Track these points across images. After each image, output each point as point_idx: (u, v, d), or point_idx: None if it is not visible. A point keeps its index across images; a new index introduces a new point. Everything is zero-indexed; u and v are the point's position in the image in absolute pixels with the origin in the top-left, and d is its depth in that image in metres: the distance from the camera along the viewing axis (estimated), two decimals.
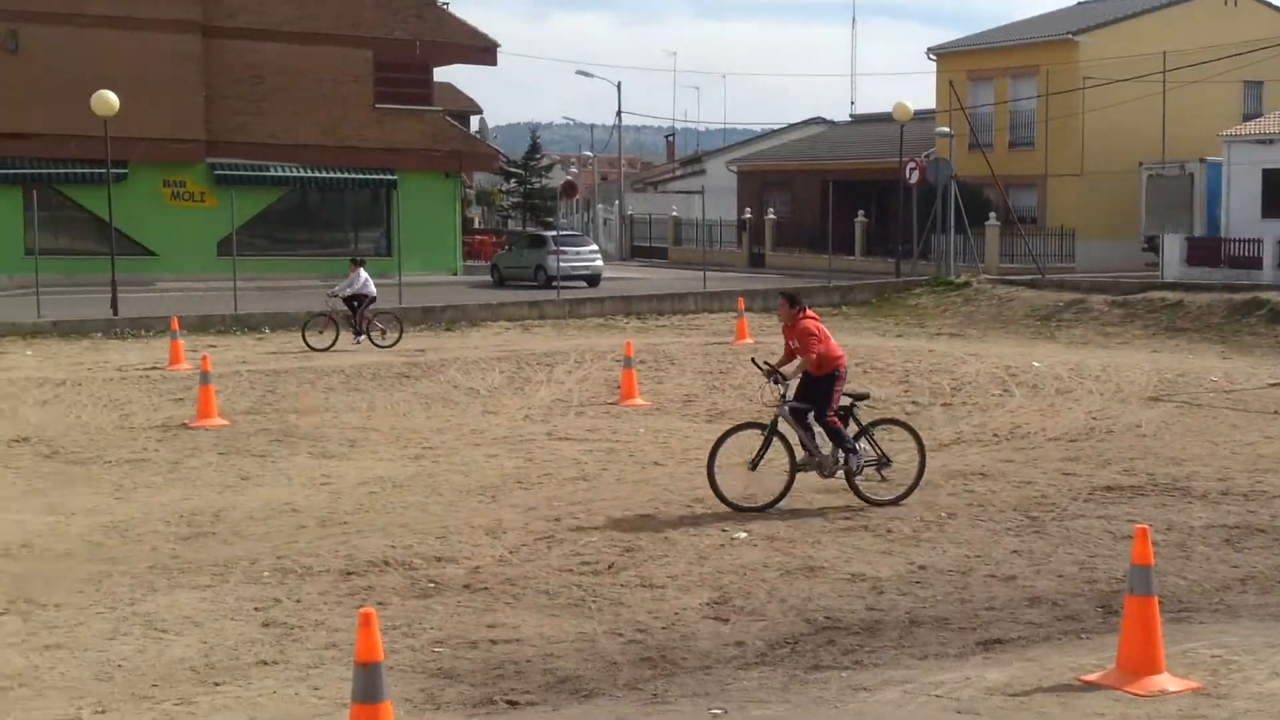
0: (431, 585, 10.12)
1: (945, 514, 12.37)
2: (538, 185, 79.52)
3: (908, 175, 40.21)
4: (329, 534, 11.85)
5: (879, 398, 19.76)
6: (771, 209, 55.69)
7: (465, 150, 48.98)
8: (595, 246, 45.59)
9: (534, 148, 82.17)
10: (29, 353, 25.32)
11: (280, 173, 44.71)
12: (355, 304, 26.37)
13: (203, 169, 43.59)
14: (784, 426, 12.72)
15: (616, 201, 66.87)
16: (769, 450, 12.59)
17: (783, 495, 12.58)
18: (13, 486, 13.96)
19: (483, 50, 48.88)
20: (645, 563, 10.70)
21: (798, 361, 12.73)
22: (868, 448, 12.76)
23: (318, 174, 45.25)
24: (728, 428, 13.30)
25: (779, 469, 12.72)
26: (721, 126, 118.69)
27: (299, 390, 20.75)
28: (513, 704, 7.68)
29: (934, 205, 40.34)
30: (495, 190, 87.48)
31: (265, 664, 8.38)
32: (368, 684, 6.19)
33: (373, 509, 12.92)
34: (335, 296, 26.65)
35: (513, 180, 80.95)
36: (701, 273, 39.54)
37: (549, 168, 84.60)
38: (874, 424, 13.11)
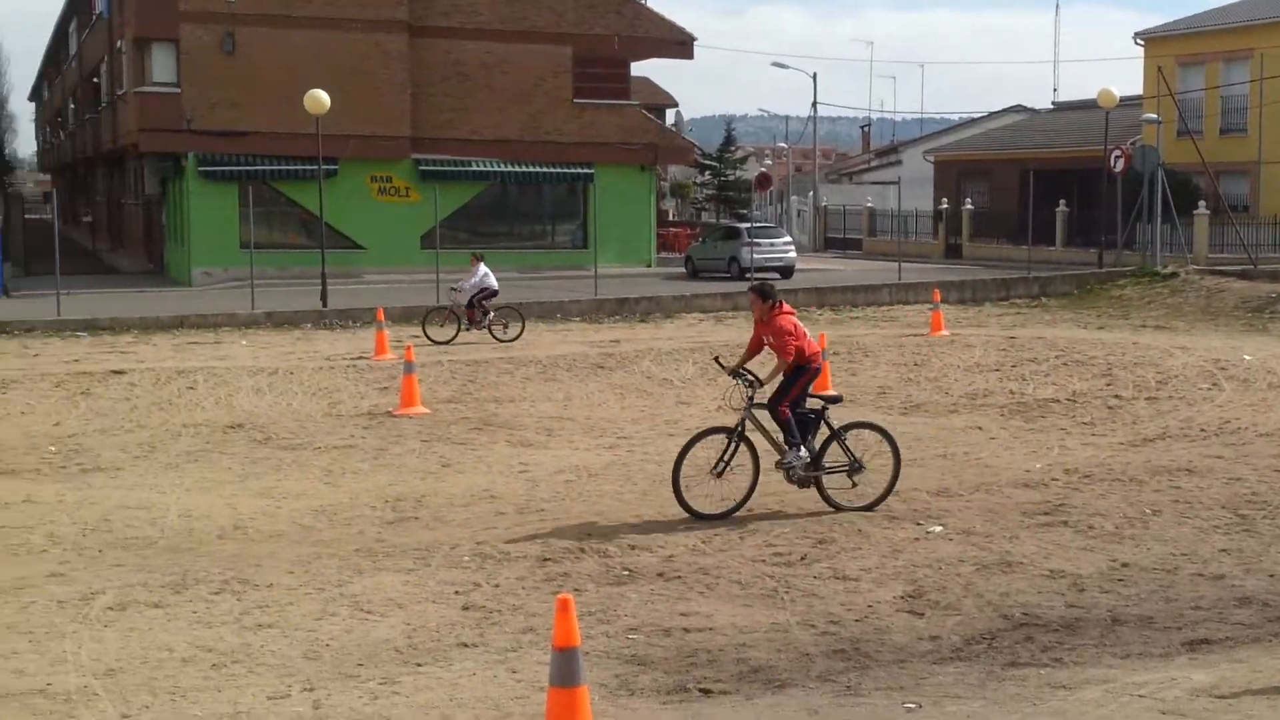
0: (626, 573, 10.24)
1: (1150, 510, 12.03)
2: (732, 177, 79.58)
3: (1112, 163, 39.06)
4: (527, 520, 12.09)
5: (1079, 390, 19.30)
6: (969, 199, 54.72)
7: (661, 143, 49.24)
8: (789, 238, 45.41)
9: (729, 140, 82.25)
10: (244, 342, 26.35)
11: (481, 168, 45.57)
12: (476, 298, 26.70)
13: (408, 165, 44.70)
14: (750, 431, 12.15)
15: (810, 193, 66.48)
16: (735, 456, 12.03)
17: (745, 500, 12.08)
18: (227, 471, 14.54)
19: (679, 44, 49.06)
20: (838, 555, 10.66)
21: (775, 364, 12.17)
22: (834, 459, 12.18)
23: (517, 169, 46.01)
24: (694, 434, 12.49)
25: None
26: (918, 116, 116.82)
27: (498, 380, 21.17)
28: (705, 692, 7.73)
29: (1140, 194, 39.13)
30: (689, 183, 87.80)
31: (465, 646, 8.59)
32: (565, 668, 6.31)
33: (569, 497, 13.13)
34: (458, 291, 26.97)
35: (707, 172, 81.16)
36: (896, 264, 39.07)
37: (743, 160, 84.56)
38: (847, 427, 12.49)
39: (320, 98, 32.18)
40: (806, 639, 8.64)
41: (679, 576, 10.10)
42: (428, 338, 25.86)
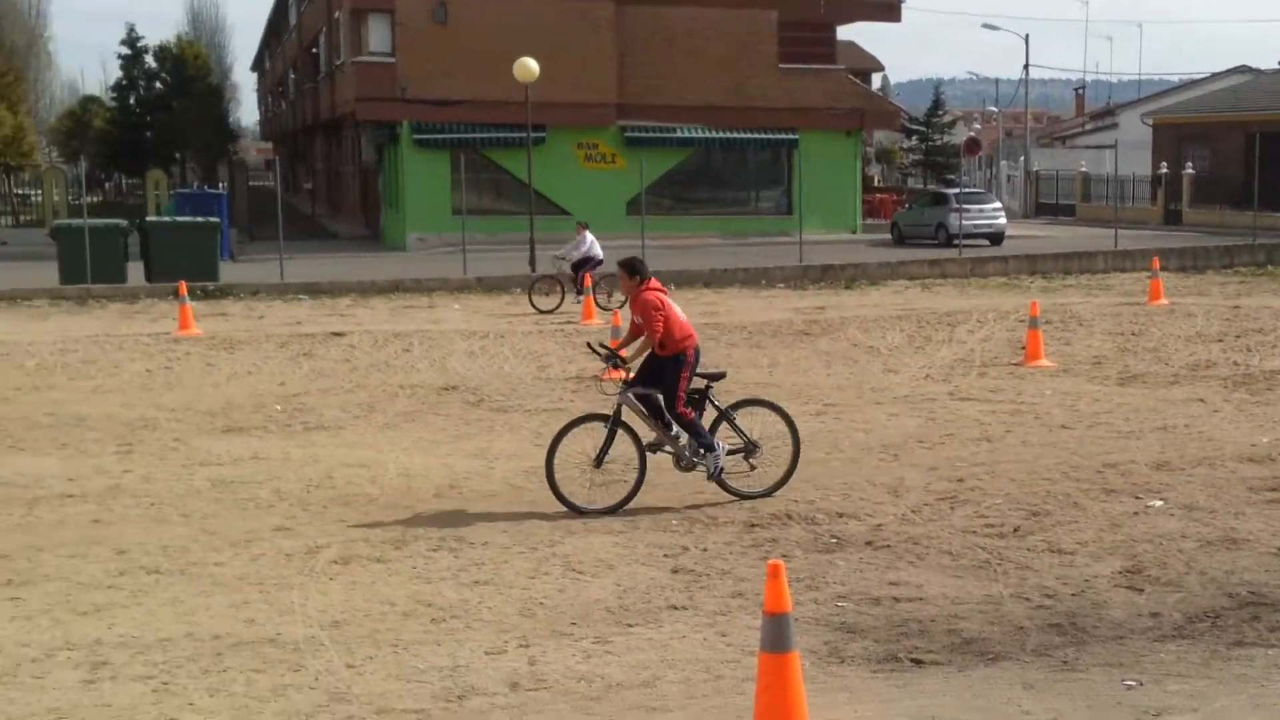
0: (834, 540, 10.21)
1: None
2: (939, 142, 78.19)
3: None
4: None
5: None
6: (1189, 163, 52.72)
7: (867, 108, 48.65)
8: (998, 204, 44.46)
9: (936, 104, 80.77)
10: (456, 307, 26.97)
11: (686, 134, 45.66)
12: (580, 266, 26.52)
13: (614, 131, 45.06)
14: (629, 416, 11.34)
15: (1021, 157, 64.90)
16: (614, 444, 11.20)
17: (633, 493, 11.25)
18: (442, 431, 14.91)
19: (886, 6, 48.38)
20: (1052, 528, 10.44)
21: (639, 342, 11.35)
22: (726, 441, 11.45)
23: (721, 134, 45.97)
24: (567, 421, 11.75)
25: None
26: (1136, 78, 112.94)
27: (702, 346, 21.18)
28: (917, 662, 7.68)
29: None
30: (895, 148, 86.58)
31: (675, 608, 8.68)
32: (776, 634, 6.30)
33: (776, 463, 13.09)
34: (562, 260, 26.77)
35: (914, 137, 79.92)
36: (1112, 230, 37.93)
37: (951, 124, 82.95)
38: (736, 406, 11.67)
39: (529, 66, 32.62)
40: (1020, 612, 8.50)
41: (887, 545, 10.03)
42: (533, 306, 25.82)
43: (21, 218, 59.97)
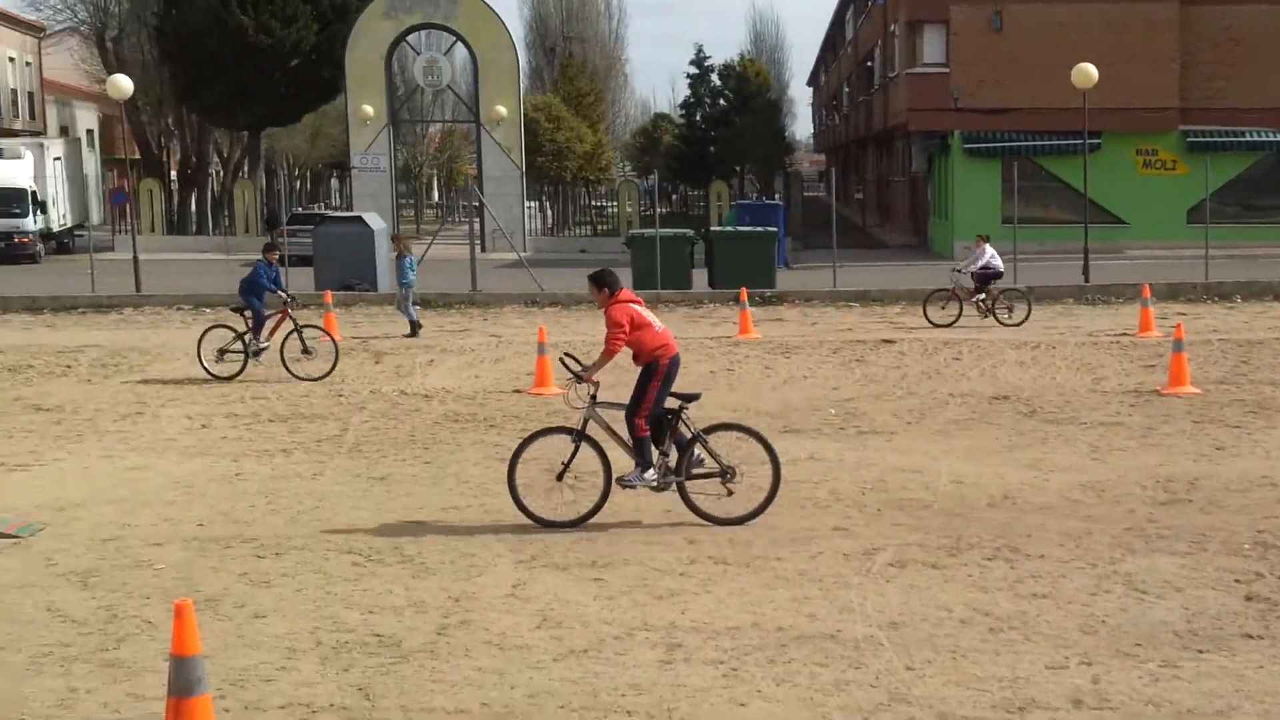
0: None
1: None
2: None
3: None
4: None
5: None
6: None
7: None
8: None
9: None
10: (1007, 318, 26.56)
11: (1255, 138, 42.90)
12: (981, 280, 24.78)
13: (1174, 136, 43.00)
14: (594, 431, 11.08)
15: None
16: (577, 458, 11.12)
17: (597, 508, 11.06)
18: (994, 440, 14.78)
19: None
20: None
21: (601, 359, 11.09)
22: (701, 456, 11.09)
23: None
24: (531, 432, 11.67)
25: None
26: None
27: (1275, 362, 19.93)
28: None
29: None
30: None
31: (1250, 637, 8.25)
32: None
33: None
34: (960, 272, 25.26)
35: None
36: None
37: None
38: (711, 429, 11.18)
39: (1088, 71, 31.77)
40: None
41: None
42: (928, 320, 24.70)
43: (599, 228, 64.54)
